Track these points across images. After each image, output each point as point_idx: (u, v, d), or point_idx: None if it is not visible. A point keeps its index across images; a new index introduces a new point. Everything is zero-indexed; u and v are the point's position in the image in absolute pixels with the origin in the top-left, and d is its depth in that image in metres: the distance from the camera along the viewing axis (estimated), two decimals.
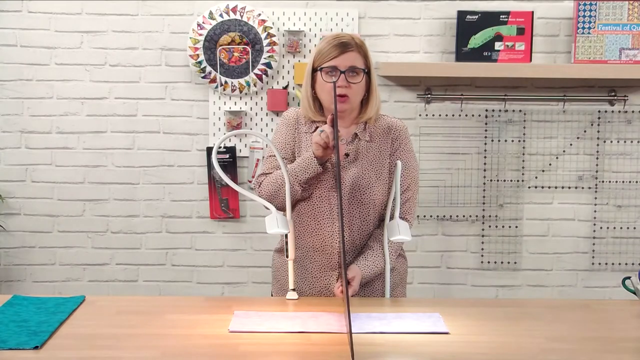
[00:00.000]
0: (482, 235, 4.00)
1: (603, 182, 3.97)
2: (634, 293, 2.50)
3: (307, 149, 2.67)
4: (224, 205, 3.97)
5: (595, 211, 3.99)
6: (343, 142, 2.67)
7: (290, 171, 2.58)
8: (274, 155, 2.69)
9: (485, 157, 3.96)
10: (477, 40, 3.81)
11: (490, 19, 3.81)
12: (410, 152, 2.71)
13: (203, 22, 3.83)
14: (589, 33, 3.80)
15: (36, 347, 2.02)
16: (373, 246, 2.65)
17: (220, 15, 3.83)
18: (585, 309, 2.49)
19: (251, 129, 3.89)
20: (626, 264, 4.01)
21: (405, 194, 2.68)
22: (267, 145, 2.53)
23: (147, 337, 2.14)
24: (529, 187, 3.98)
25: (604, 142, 3.95)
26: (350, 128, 2.68)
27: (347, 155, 2.66)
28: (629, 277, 2.53)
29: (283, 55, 3.88)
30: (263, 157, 3.80)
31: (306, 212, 2.67)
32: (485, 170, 3.96)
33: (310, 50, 3.88)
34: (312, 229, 2.67)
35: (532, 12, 3.81)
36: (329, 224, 2.64)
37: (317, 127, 2.65)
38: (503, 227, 3.99)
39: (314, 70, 2.63)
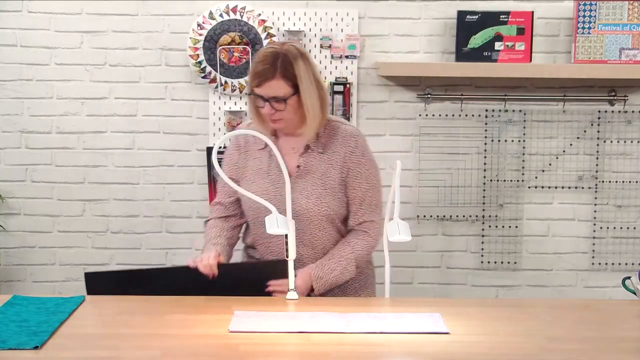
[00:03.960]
0: (482, 235, 4.00)
1: (603, 182, 3.97)
2: (634, 293, 2.50)
3: (254, 163, 2.68)
4: None
5: (595, 211, 3.99)
6: (295, 152, 2.65)
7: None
8: (221, 179, 2.71)
9: (485, 157, 3.96)
10: (477, 40, 3.81)
11: (490, 19, 3.81)
12: (369, 162, 2.67)
13: (203, 22, 3.83)
14: (589, 33, 3.80)
15: (36, 347, 2.02)
16: (331, 253, 2.64)
17: (220, 15, 3.83)
18: (585, 309, 2.49)
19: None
20: (626, 264, 4.01)
21: (372, 208, 2.67)
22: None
23: (147, 337, 2.14)
24: (529, 187, 3.98)
25: (604, 142, 3.95)
26: (301, 138, 2.64)
27: (298, 167, 2.64)
28: (629, 277, 2.52)
29: None
30: None
31: (257, 232, 2.71)
32: (485, 170, 3.96)
33: (310, 50, 3.88)
34: (266, 246, 2.70)
35: (532, 12, 3.81)
36: (282, 243, 2.61)
37: (266, 144, 2.61)
38: (503, 227, 3.99)
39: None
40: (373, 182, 2.68)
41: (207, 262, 2.53)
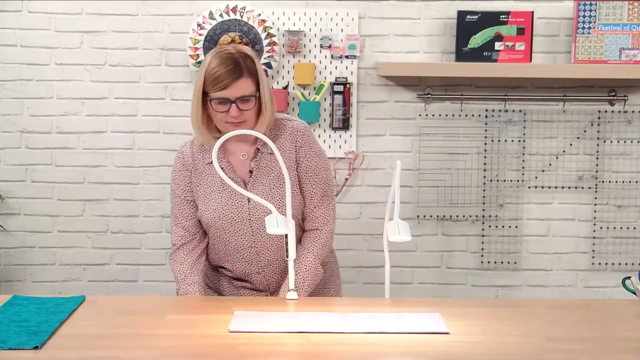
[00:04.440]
0: (482, 235, 4.00)
1: (603, 182, 3.97)
2: (634, 293, 2.50)
3: (204, 179, 2.60)
4: None
5: (595, 211, 3.99)
6: (245, 159, 2.61)
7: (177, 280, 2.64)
8: (178, 198, 2.66)
9: (485, 157, 3.96)
10: (477, 40, 3.81)
11: (490, 19, 3.81)
12: (317, 155, 2.65)
13: (203, 22, 3.83)
14: (589, 33, 3.80)
15: (36, 347, 2.02)
16: (296, 266, 2.59)
17: (220, 15, 3.83)
18: (585, 309, 2.49)
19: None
20: (626, 264, 4.01)
21: (323, 201, 2.65)
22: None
23: (147, 337, 2.14)
24: (529, 187, 3.99)
25: (604, 142, 3.95)
26: (247, 144, 2.61)
27: (251, 172, 2.60)
28: (629, 277, 2.52)
29: (283, 55, 3.88)
30: None
31: (221, 249, 2.66)
32: (485, 170, 3.96)
33: (310, 51, 3.88)
34: (231, 263, 2.66)
35: (532, 12, 3.81)
36: (247, 254, 2.62)
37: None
38: (503, 227, 3.99)
39: (205, 93, 2.52)
40: (322, 175, 2.65)
41: None
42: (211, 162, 2.59)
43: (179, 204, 2.67)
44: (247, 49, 2.58)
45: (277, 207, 2.50)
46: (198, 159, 2.65)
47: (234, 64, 2.49)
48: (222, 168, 2.57)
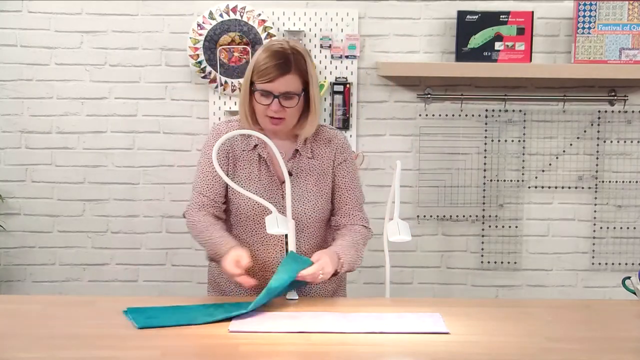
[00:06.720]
0: (482, 235, 4.00)
1: (603, 182, 3.97)
2: (634, 293, 2.50)
3: (243, 166, 2.57)
4: None
5: (595, 211, 3.99)
6: (283, 158, 2.56)
7: (208, 243, 2.55)
8: (208, 174, 2.59)
9: (485, 157, 3.96)
10: (477, 40, 3.81)
11: (490, 19, 3.81)
12: (355, 167, 2.68)
13: (203, 22, 3.83)
14: (589, 33, 3.80)
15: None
16: (338, 242, 2.59)
17: (220, 15, 3.83)
18: (585, 309, 2.49)
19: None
20: (626, 264, 4.01)
21: (361, 208, 2.68)
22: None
23: (147, 337, 2.13)
24: (529, 187, 3.99)
25: (604, 142, 3.95)
26: (288, 143, 2.59)
27: (290, 174, 2.57)
28: (629, 277, 2.53)
29: None
30: None
31: (250, 235, 2.61)
32: (485, 170, 3.96)
33: (310, 50, 3.88)
34: (255, 250, 2.60)
35: (532, 12, 3.81)
36: (268, 248, 2.59)
37: (255, 145, 2.56)
38: (503, 227, 3.99)
39: (252, 84, 2.52)
40: (357, 181, 2.69)
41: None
42: (253, 149, 2.58)
43: (209, 179, 2.60)
44: (302, 47, 2.56)
45: (311, 212, 2.55)
46: (237, 142, 2.61)
47: (283, 58, 2.47)
48: (262, 158, 2.58)
